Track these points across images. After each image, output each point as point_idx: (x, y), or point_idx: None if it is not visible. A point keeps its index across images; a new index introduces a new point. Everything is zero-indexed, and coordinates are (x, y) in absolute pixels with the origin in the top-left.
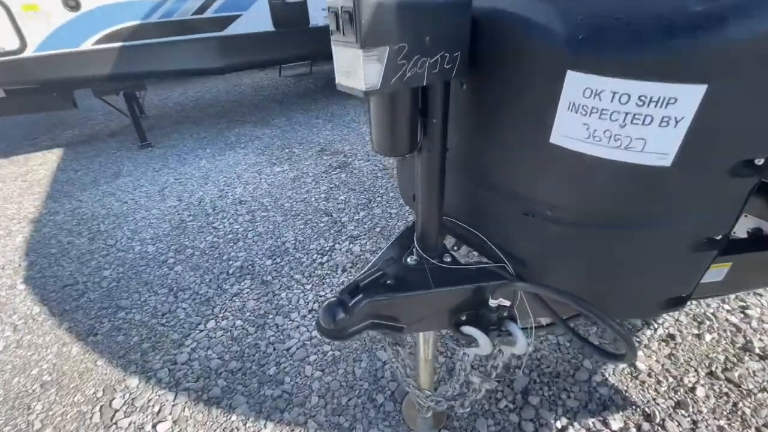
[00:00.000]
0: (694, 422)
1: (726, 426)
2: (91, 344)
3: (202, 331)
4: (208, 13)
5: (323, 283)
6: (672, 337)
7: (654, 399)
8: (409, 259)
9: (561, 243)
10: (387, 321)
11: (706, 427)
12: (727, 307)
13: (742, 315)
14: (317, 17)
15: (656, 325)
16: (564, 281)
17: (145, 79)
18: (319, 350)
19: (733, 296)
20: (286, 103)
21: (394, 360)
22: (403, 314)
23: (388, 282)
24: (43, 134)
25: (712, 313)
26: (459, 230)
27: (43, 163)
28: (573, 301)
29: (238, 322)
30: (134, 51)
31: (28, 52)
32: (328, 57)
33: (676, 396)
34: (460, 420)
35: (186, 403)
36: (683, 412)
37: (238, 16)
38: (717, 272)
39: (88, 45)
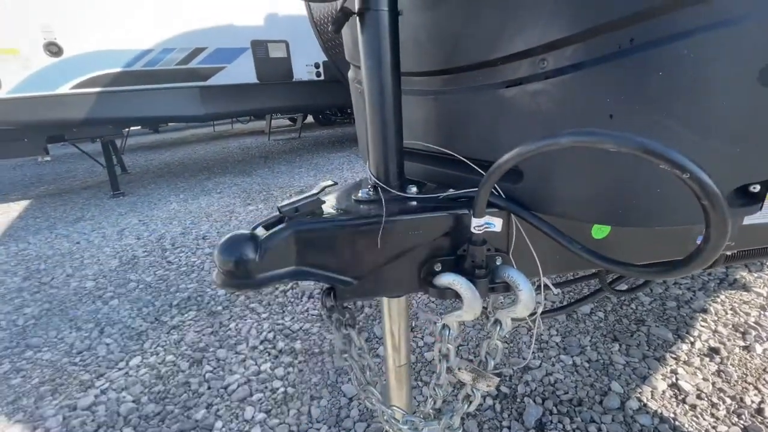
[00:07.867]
0: None
1: None
2: None
3: (121, 369)
4: (193, 64)
5: (284, 311)
6: (715, 350)
7: (714, 427)
8: (359, 193)
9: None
10: (323, 270)
11: None
12: None
13: None
14: (300, 72)
15: (692, 339)
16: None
17: (123, 125)
18: (266, 387)
19: None
20: (270, 158)
21: (344, 354)
22: (347, 259)
23: (328, 210)
24: (17, 191)
25: (755, 322)
26: (422, 160)
27: (3, 213)
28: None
29: (170, 358)
30: (113, 97)
31: (2, 94)
32: (311, 109)
33: (741, 421)
34: None
35: None
36: None
37: (222, 68)
38: None
39: (65, 89)
